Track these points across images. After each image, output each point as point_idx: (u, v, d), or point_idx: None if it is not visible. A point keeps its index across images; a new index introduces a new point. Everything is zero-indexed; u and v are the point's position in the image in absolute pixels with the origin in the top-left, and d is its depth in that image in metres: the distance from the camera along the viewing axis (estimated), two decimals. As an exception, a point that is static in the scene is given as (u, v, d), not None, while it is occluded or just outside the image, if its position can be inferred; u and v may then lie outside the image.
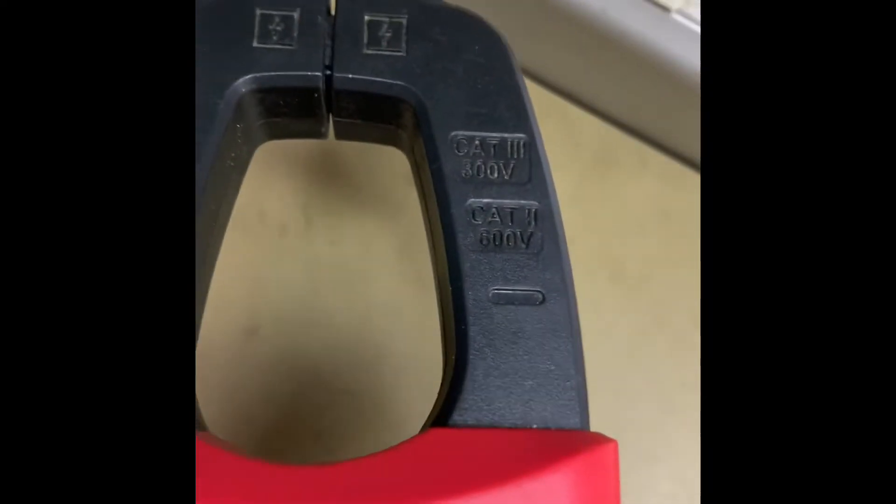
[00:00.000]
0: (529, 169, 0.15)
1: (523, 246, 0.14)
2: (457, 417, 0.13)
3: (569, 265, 0.14)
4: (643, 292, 0.24)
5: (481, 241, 0.14)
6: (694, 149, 0.25)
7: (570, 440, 0.13)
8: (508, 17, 0.19)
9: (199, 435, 0.12)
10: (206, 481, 0.11)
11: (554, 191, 0.15)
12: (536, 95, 0.24)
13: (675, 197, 0.25)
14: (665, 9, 0.21)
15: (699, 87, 0.20)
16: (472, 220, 0.14)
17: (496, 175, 0.15)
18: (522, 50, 0.22)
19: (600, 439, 0.13)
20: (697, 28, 0.21)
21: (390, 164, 0.24)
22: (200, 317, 0.16)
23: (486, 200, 0.14)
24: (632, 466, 0.22)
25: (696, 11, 0.20)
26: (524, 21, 0.22)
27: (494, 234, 0.14)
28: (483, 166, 0.15)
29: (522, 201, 0.14)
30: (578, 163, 0.25)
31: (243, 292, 0.22)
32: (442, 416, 0.13)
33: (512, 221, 0.14)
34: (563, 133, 0.25)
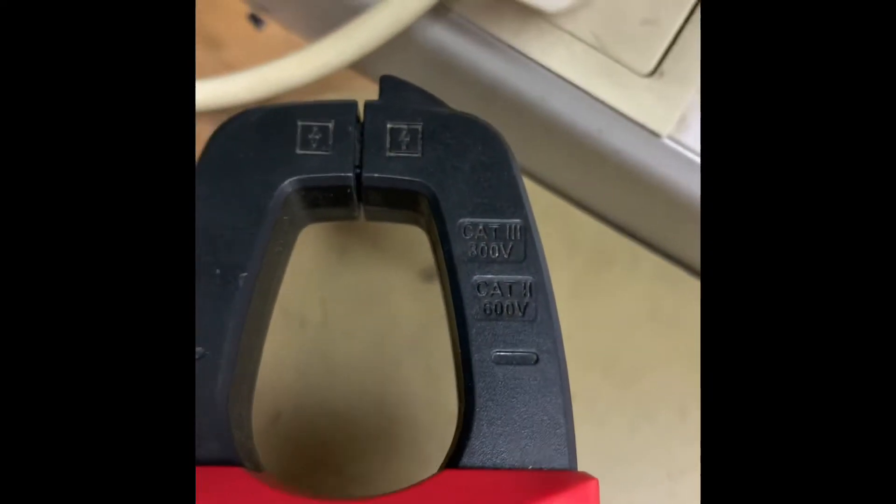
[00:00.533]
0: (525, 248, 0.17)
1: (520, 314, 0.17)
2: (465, 460, 0.16)
3: (559, 330, 0.17)
4: (634, 387, 0.26)
5: (485, 311, 0.17)
6: (683, 251, 0.27)
7: (559, 479, 0.15)
8: (518, 130, 0.22)
9: (253, 473, 0.15)
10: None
11: (546, 266, 0.17)
12: (540, 197, 0.27)
13: (666, 296, 0.27)
14: (656, 135, 0.22)
15: (688, 203, 0.23)
16: (477, 293, 0.17)
17: (497, 254, 0.17)
18: (529, 157, 0.26)
19: (585, 477, 0.15)
20: (686, 152, 0.22)
21: (404, 262, 0.26)
22: (255, 375, 0.19)
23: (488, 276, 0.17)
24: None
25: (685, 137, 0.22)
26: (532, 134, 0.24)
27: (496, 305, 0.17)
28: (486, 247, 0.17)
29: (519, 276, 0.17)
30: (575, 261, 0.27)
31: (267, 380, 0.24)
32: (454, 459, 0.16)
33: (510, 293, 0.17)
34: (563, 232, 0.27)
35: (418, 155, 0.18)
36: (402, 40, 0.23)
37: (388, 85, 0.19)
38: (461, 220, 0.18)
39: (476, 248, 0.17)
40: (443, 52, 0.24)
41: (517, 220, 0.18)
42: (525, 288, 0.17)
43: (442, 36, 0.24)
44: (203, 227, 0.17)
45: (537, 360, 0.17)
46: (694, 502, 0.26)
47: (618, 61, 0.22)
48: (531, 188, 0.27)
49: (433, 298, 0.26)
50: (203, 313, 0.16)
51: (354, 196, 0.18)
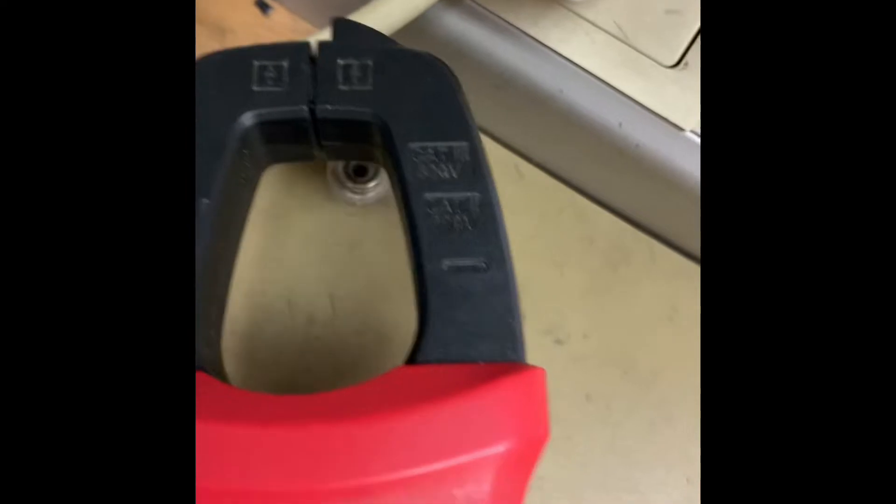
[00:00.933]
0: (473, 168, 0.18)
1: (470, 228, 0.18)
2: (419, 358, 0.17)
3: (506, 240, 0.18)
4: (653, 387, 0.25)
5: (437, 227, 0.18)
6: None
7: (507, 368, 0.16)
8: (534, 121, 0.22)
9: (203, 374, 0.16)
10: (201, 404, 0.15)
11: (493, 183, 0.18)
12: (556, 191, 0.27)
13: (685, 294, 0.26)
14: (679, 128, 0.22)
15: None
16: (429, 211, 0.18)
17: (447, 174, 0.18)
18: (545, 149, 0.25)
19: (532, 368, 0.16)
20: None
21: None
22: (223, 311, 0.20)
23: (438, 194, 0.18)
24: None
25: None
26: (549, 126, 0.24)
27: (446, 221, 0.18)
28: (436, 168, 0.18)
29: (468, 193, 0.18)
30: (592, 257, 0.26)
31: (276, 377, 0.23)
32: (409, 359, 0.17)
33: (460, 209, 0.18)
34: (579, 228, 0.26)
35: (370, 88, 0.19)
36: (415, 27, 0.22)
37: (341, 26, 0.20)
38: (411, 145, 0.19)
39: (427, 170, 0.18)
40: (457, 40, 0.23)
41: (464, 143, 0.19)
42: (473, 204, 0.18)
43: (456, 23, 0.23)
44: (167, 160, 0.18)
45: (487, 268, 0.18)
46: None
47: (640, 52, 0.22)
48: (549, 182, 0.26)
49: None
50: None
51: (311, 131, 0.19)
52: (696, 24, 0.22)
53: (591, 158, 0.24)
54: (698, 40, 0.22)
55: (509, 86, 0.23)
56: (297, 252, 0.25)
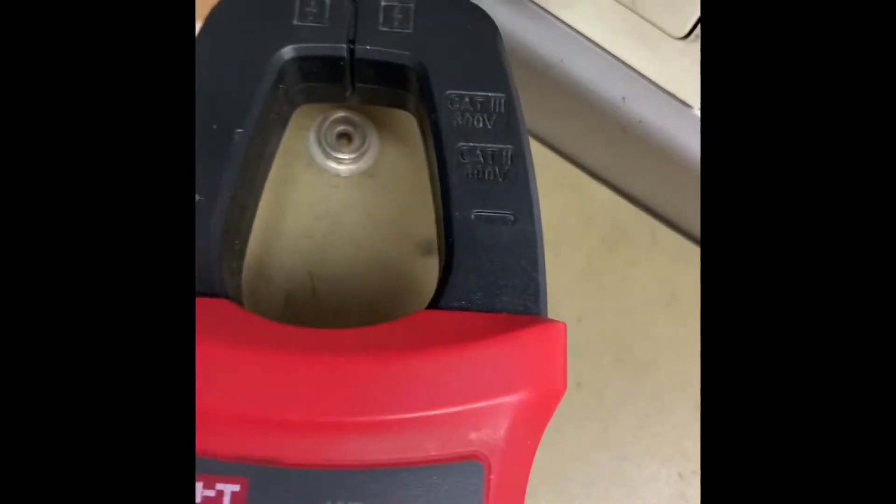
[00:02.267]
0: (507, 121, 0.18)
1: (501, 180, 0.18)
2: (441, 303, 0.17)
3: (536, 195, 0.18)
4: (647, 377, 0.24)
5: (468, 176, 0.18)
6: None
7: (529, 321, 0.16)
8: (533, 92, 0.20)
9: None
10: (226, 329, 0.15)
11: (526, 137, 0.18)
12: (553, 165, 0.25)
13: (685, 279, 0.25)
14: (687, 105, 0.21)
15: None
16: (461, 160, 0.18)
17: (481, 125, 0.18)
18: (543, 122, 0.24)
19: (553, 322, 0.16)
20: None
21: (400, 235, 0.24)
22: (246, 244, 0.20)
23: (471, 144, 0.18)
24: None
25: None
26: (548, 97, 0.22)
27: (478, 171, 0.18)
28: (471, 118, 0.18)
29: (501, 145, 0.18)
30: (590, 236, 0.25)
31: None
32: (432, 303, 0.17)
33: (492, 160, 0.18)
34: (578, 205, 0.25)
35: (410, 31, 0.19)
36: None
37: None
38: (448, 92, 0.18)
39: (462, 119, 0.18)
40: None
41: (501, 95, 0.19)
42: (506, 156, 0.18)
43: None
44: (203, 88, 0.18)
45: (515, 221, 0.18)
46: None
47: (648, 21, 0.20)
48: (545, 155, 0.25)
49: (434, 274, 0.21)
50: (201, 164, 0.17)
51: (347, 71, 0.19)
52: (709, -8, 0.21)
53: (591, 133, 0.23)
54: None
55: (507, 54, 0.21)
56: (278, 225, 0.23)
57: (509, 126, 0.18)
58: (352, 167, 0.24)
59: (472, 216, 0.18)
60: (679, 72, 0.20)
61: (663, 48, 0.20)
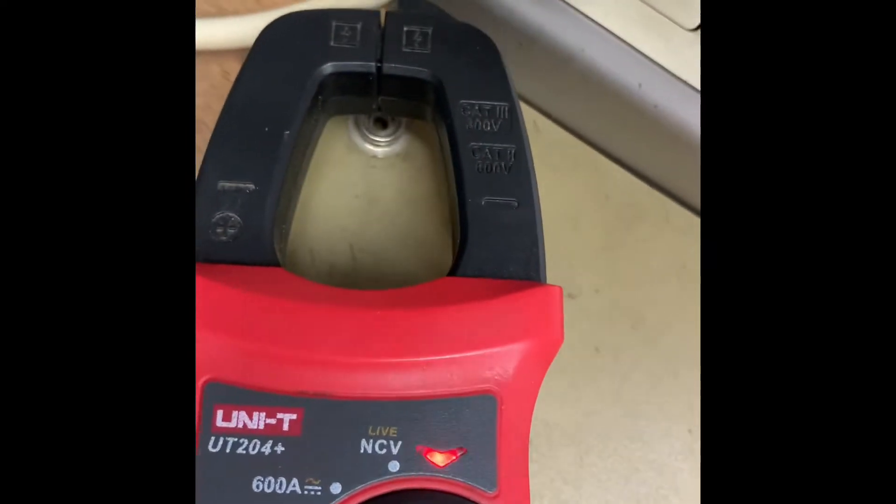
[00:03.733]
0: (510, 124, 0.22)
1: (506, 173, 0.22)
2: (458, 272, 0.20)
3: (535, 185, 0.22)
4: (660, 341, 0.26)
5: (478, 169, 0.22)
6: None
7: (531, 285, 0.20)
8: (554, 79, 0.23)
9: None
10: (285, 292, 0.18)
11: (527, 138, 0.22)
12: (571, 147, 0.27)
13: (696, 252, 0.26)
14: (698, 91, 0.22)
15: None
16: (473, 156, 0.22)
17: (488, 128, 0.22)
18: (563, 106, 0.26)
19: (551, 286, 0.20)
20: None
21: (425, 208, 0.26)
22: (287, 238, 0.23)
23: (481, 143, 0.22)
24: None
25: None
26: (568, 84, 0.25)
27: (486, 165, 0.22)
28: (480, 122, 0.22)
29: (505, 145, 0.22)
30: (606, 213, 0.27)
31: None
32: (450, 273, 0.20)
33: (499, 157, 0.22)
34: (594, 184, 0.27)
35: (428, 52, 0.23)
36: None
37: (406, 0, 0.23)
38: (461, 102, 0.22)
39: (472, 123, 0.22)
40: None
41: (505, 103, 0.22)
42: (510, 154, 0.22)
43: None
44: (256, 97, 0.22)
45: (518, 206, 0.21)
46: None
47: (662, 14, 0.22)
48: (566, 138, 0.27)
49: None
50: (256, 159, 0.21)
51: (375, 85, 0.23)
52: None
53: (609, 117, 0.25)
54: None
55: (531, 44, 0.24)
56: (321, 203, 0.25)
57: (512, 129, 0.22)
58: (387, 150, 0.26)
59: (483, 202, 0.21)
60: (690, 60, 0.22)
61: (676, 39, 0.22)
